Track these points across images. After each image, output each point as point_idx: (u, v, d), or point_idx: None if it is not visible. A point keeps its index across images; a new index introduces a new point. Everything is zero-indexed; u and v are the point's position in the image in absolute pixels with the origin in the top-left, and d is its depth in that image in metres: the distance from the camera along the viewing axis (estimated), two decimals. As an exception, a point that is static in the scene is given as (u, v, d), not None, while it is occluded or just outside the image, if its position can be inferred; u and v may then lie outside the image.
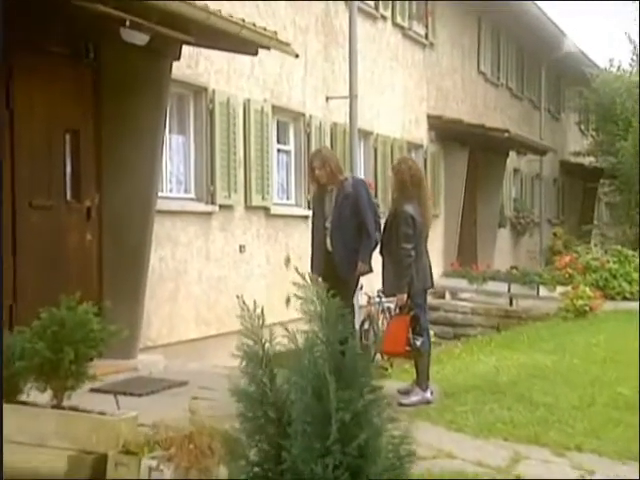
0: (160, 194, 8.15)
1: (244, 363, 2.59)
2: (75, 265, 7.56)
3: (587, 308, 13.58)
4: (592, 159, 26.93)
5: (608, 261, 16.76)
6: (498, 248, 19.94)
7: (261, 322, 2.74)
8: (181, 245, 9.27)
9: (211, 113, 9.88)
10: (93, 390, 5.95)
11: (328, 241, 7.01)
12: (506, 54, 21.62)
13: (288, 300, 10.99)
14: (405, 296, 6.66)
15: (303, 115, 12.01)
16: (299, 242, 11.42)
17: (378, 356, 8.31)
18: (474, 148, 17.01)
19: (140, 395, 6.53)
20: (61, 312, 4.62)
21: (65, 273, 7.36)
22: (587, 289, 14.16)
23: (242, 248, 10.37)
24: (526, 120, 22.92)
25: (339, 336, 2.40)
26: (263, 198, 10.80)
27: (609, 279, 16.41)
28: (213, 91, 9.94)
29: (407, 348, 6.61)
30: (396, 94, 15.33)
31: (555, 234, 24.44)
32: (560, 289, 15.40)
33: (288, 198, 11.99)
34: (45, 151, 7.18)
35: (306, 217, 11.22)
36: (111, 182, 7.56)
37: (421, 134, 16.44)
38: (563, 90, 27.02)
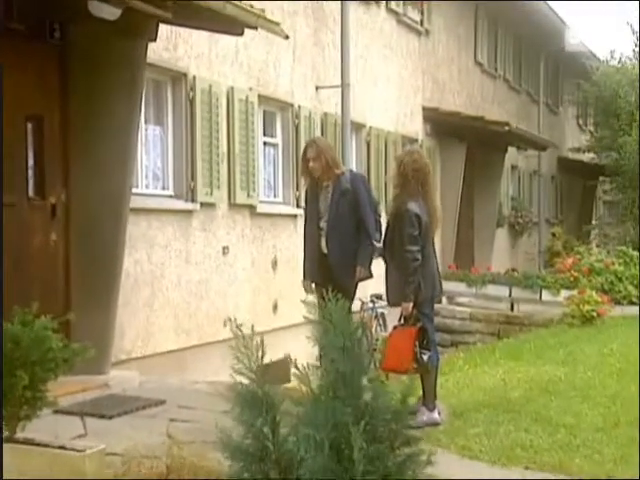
0: (135, 190, 7.93)
1: (238, 409, 1.99)
2: (38, 269, 7.08)
3: (594, 314, 13.34)
4: (592, 155, 26.68)
5: (613, 263, 16.40)
6: (495, 249, 19.72)
7: (260, 355, 2.16)
8: (158, 247, 8.97)
9: (191, 102, 9.57)
10: (57, 412, 5.54)
11: (323, 243, 6.66)
12: (504, 44, 21.44)
13: (275, 306, 10.92)
14: (411, 305, 6.26)
15: (291, 105, 11.75)
16: (287, 243, 11.27)
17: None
18: (472, 143, 16.71)
19: (111, 417, 6.20)
20: (15, 328, 4.01)
21: (27, 278, 6.85)
22: (594, 293, 13.87)
23: (225, 250, 10.08)
24: (524, 114, 22.64)
25: (364, 370, 1.82)
26: (248, 195, 10.50)
27: (614, 282, 15.97)
28: (193, 77, 9.63)
29: (414, 365, 6.10)
30: (390, 84, 15.06)
31: (554, 234, 24.14)
32: (564, 293, 15.08)
33: (275, 195, 11.75)
34: (4, 141, 6.61)
35: (295, 216, 11.23)
36: (79, 176, 7.19)
37: (416, 127, 16.18)
38: (562, 83, 26.83)
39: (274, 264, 11.10)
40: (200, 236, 9.72)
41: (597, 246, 21.68)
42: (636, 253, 16.87)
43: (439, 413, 6.46)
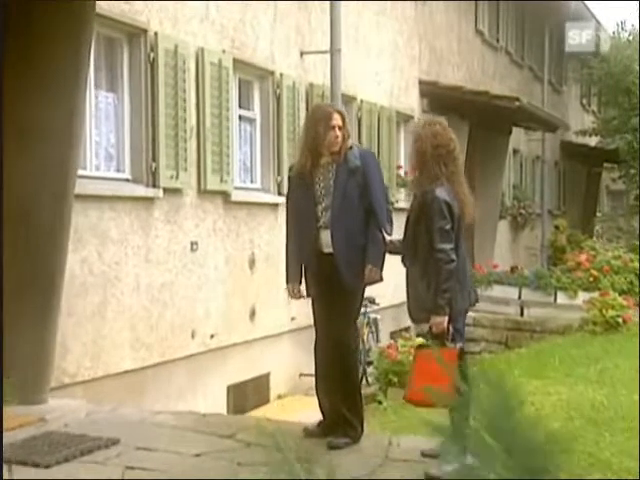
0: (82, 172, 7.64)
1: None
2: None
3: (620, 320, 13.09)
4: (597, 139, 26.26)
5: (632, 260, 16.12)
6: (496, 244, 19.21)
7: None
8: (111, 242, 8.41)
9: (152, 65, 8.90)
10: (-27, 459, 4.92)
11: (325, 237, 5.91)
12: (506, 12, 21.08)
13: (253, 313, 10.50)
14: (445, 320, 5.50)
15: (272, 73, 11.12)
16: (267, 238, 10.79)
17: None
18: (475, 122, 16.10)
19: (48, 466, 5.40)
20: None
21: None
22: (617, 296, 13.60)
23: (194, 246, 9.54)
24: (527, 92, 22.12)
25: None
26: (221, 180, 9.87)
27: (634, 282, 15.67)
28: (155, 35, 8.94)
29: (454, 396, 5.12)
30: (384, 54, 14.51)
31: (557, 227, 23.77)
32: (582, 295, 14.69)
33: (253, 181, 11.13)
34: None
35: (276, 205, 10.78)
36: (12, 153, 6.62)
37: (411, 102, 15.61)
38: (566, 58, 26.40)
39: (252, 262, 10.58)
40: (163, 229, 9.20)
41: (609, 240, 21.28)
42: None
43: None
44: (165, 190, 9.09)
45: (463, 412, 4.93)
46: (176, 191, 9.31)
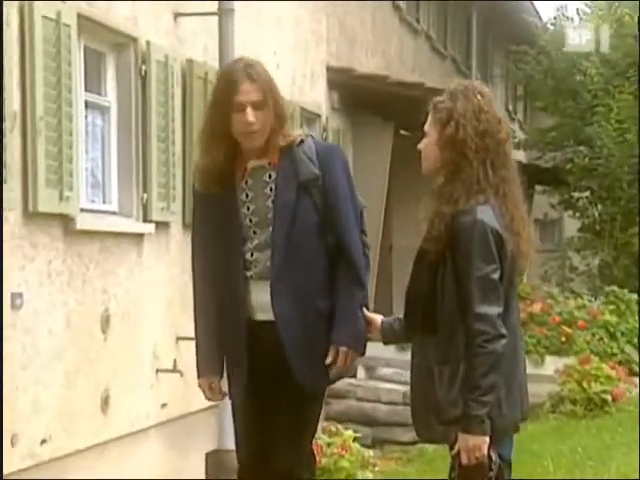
0: None
1: None
2: None
3: (608, 397, 12.46)
4: (529, 153, 25.83)
5: (602, 312, 15.71)
6: None
7: None
8: None
9: None
10: None
11: (258, 294, 4.78)
12: None
13: (106, 402, 9.23)
14: (486, 442, 4.38)
15: (134, 40, 9.90)
16: (128, 285, 9.67)
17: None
18: (403, 123, 15.36)
19: None
20: None
21: None
22: (603, 365, 12.99)
23: (16, 300, 8.23)
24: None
25: None
26: (61, 198, 8.60)
27: (605, 340, 15.29)
28: None
29: None
30: (283, 27, 13.73)
31: None
32: (552, 361, 14.12)
33: (106, 200, 9.92)
34: None
35: (140, 236, 9.83)
36: None
37: (317, 96, 14.89)
38: (492, 51, 26.59)
39: (105, 323, 9.32)
40: (-33, 274, 7.71)
41: (558, 284, 20.65)
42: (634, 297, 16.18)
43: None
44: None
45: None
46: (-12, 214, 7.83)
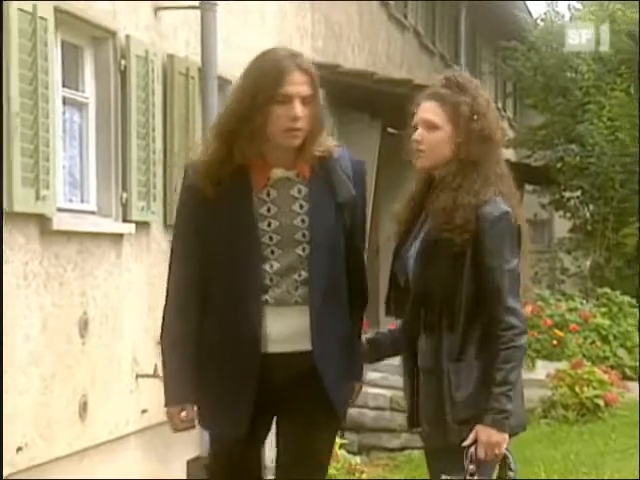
0: None
1: None
2: None
3: (600, 402, 12.58)
4: (522, 152, 26.01)
5: (594, 314, 15.79)
6: None
7: None
8: None
9: None
10: None
11: (275, 322, 4.38)
12: None
13: (85, 407, 9.21)
14: (507, 439, 4.44)
15: (113, 34, 9.90)
16: (107, 287, 9.66)
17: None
18: (390, 120, 15.33)
19: None
20: None
21: None
22: (596, 369, 13.16)
23: None
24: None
25: None
26: (37, 197, 8.58)
27: (598, 343, 15.39)
28: None
29: None
30: (267, 24, 13.82)
31: None
32: (543, 365, 14.20)
33: (84, 199, 9.89)
34: None
35: (120, 236, 9.83)
36: None
37: None
38: (480, 47, 27.03)
39: (83, 327, 9.29)
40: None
41: (548, 287, 20.64)
42: (627, 299, 16.36)
43: None
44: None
45: None
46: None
